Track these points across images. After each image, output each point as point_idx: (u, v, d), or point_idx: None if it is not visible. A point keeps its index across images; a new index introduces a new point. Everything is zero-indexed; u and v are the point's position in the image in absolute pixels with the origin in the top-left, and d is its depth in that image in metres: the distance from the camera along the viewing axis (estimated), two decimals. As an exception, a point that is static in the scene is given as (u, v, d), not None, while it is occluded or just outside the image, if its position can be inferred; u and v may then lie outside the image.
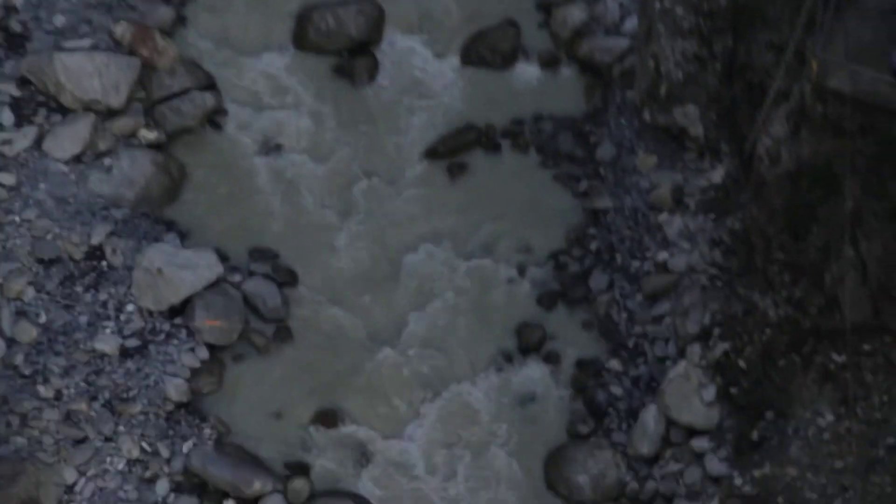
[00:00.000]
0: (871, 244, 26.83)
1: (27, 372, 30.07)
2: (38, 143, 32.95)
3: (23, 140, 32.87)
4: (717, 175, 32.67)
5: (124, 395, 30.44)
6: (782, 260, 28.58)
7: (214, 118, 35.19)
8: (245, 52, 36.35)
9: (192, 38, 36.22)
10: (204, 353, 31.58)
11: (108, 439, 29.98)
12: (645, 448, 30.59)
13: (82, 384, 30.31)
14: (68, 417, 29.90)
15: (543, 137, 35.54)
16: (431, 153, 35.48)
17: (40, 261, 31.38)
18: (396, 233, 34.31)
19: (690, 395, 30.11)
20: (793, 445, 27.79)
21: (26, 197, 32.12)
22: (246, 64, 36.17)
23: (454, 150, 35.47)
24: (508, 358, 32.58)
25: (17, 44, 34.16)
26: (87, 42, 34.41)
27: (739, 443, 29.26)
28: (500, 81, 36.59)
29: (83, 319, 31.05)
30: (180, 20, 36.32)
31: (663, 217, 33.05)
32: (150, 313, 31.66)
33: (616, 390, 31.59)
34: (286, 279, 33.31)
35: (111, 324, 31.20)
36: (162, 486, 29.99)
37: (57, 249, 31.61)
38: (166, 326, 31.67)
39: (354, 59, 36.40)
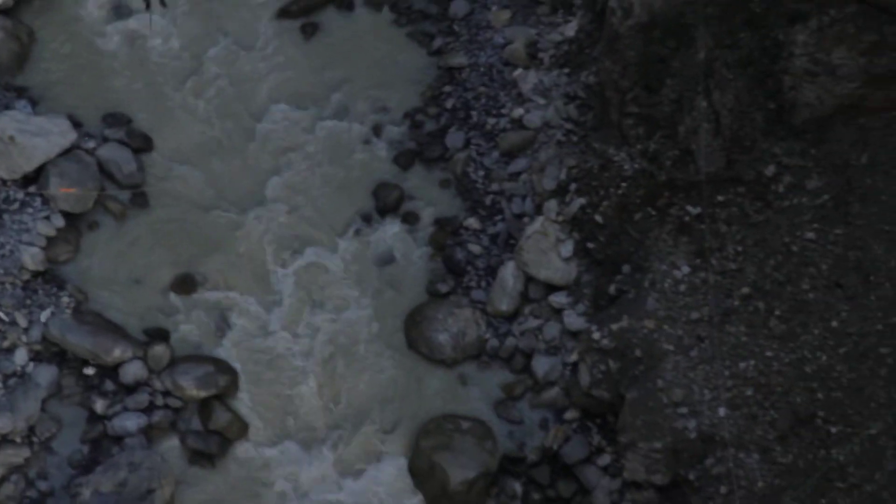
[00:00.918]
0: (724, 95, 27.05)
1: None
2: None
3: None
4: (571, 29, 32.57)
5: (-23, 265, 29.86)
6: (636, 113, 28.68)
7: (62, -21, 33.99)
8: None
9: None
10: (59, 221, 30.92)
11: (-39, 310, 29.46)
12: (504, 305, 30.79)
13: (-67, 255, 29.61)
14: (-81, 289, 29.21)
15: (397, -6, 35.14)
16: (284, 13, 34.71)
17: None
18: (251, 95, 33.71)
19: (548, 251, 30.31)
20: (649, 298, 28.16)
21: None
22: (91, -76, 34.86)
23: (307, 8, 34.72)
24: (367, 219, 32.39)
25: None
26: None
27: (597, 297, 29.56)
28: (353, -63, 35.92)
29: (-69, 190, 30.20)
30: None
31: (518, 73, 32.91)
32: (4, 182, 30.86)
33: (474, 248, 31.64)
34: (141, 145, 32.59)
35: (-38, 193, 30.46)
36: (20, 356, 29.53)
37: None
38: (20, 195, 30.92)
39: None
